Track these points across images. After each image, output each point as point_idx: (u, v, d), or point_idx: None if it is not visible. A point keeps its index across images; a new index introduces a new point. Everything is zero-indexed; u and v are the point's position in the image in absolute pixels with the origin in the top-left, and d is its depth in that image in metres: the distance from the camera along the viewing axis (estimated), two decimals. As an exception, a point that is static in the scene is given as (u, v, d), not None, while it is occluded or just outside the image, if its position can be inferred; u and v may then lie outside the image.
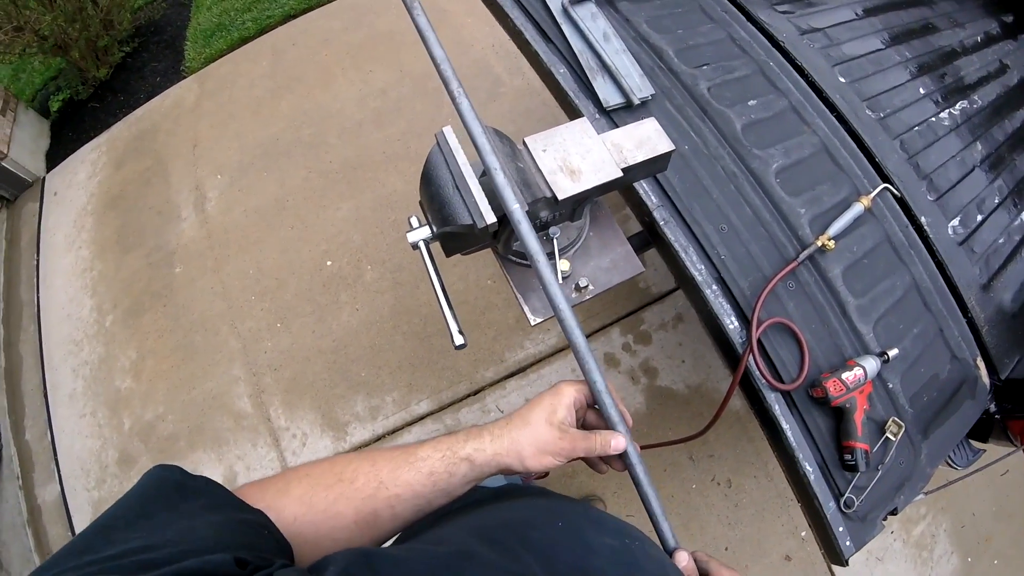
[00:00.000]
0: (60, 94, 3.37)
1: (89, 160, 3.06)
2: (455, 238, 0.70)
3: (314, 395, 2.28)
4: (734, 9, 1.28)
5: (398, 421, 2.18)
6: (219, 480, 0.47)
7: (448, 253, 0.77)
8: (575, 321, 0.56)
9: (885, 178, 1.13)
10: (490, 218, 0.58)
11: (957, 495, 2.07)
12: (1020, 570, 2.02)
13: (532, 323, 0.83)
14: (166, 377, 2.37)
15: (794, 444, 0.91)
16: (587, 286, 0.85)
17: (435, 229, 0.68)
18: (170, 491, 0.44)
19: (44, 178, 3.21)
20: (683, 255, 0.98)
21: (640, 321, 2.15)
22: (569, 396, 0.58)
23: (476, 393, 2.15)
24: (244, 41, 3.09)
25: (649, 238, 1.08)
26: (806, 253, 0.99)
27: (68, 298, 2.68)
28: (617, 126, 1.05)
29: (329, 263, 2.40)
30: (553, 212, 0.71)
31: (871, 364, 0.93)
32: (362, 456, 0.53)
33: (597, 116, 1.06)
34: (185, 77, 3.09)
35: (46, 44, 2.90)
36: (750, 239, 1.01)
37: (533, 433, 0.55)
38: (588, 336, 2.16)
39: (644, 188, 1.01)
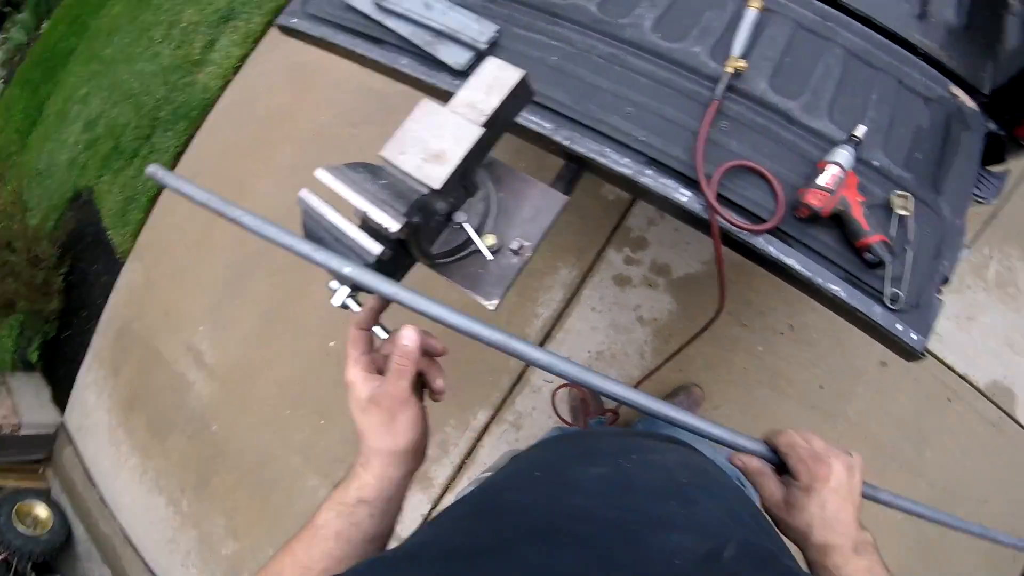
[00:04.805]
0: (33, 344, 3.41)
1: (90, 383, 3.10)
2: None
3: (392, 468, 2.28)
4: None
5: (467, 443, 2.16)
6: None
7: None
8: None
9: (760, -34, 1.05)
10: (375, 248, 0.54)
11: (1011, 218, 1.97)
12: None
13: (491, 309, 0.78)
14: (259, 522, 2.41)
15: (808, 273, 0.85)
16: (521, 245, 0.80)
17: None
18: None
19: (63, 421, 3.28)
20: (602, 159, 0.92)
21: (628, 230, 2.09)
22: (351, 376, 0.55)
23: (520, 378, 2.12)
24: (153, 201, 3.09)
25: (576, 165, 1.02)
26: (721, 86, 0.92)
27: (143, 507, 2.74)
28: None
29: (332, 343, 2.39)
30: (446, 200, 0.67)
31: (843, 154, 0.86)
32: (282, 552, 0.52)
33: (456, 82, 1.00)
34: (124, 262, 3.11)
35: (-9, 314, 2.91)
36: (660, 106, 0.95)
37: (363, 428, 0.55)
38: (588, 269, 2.10)
39: (534, 120, 0.96)
